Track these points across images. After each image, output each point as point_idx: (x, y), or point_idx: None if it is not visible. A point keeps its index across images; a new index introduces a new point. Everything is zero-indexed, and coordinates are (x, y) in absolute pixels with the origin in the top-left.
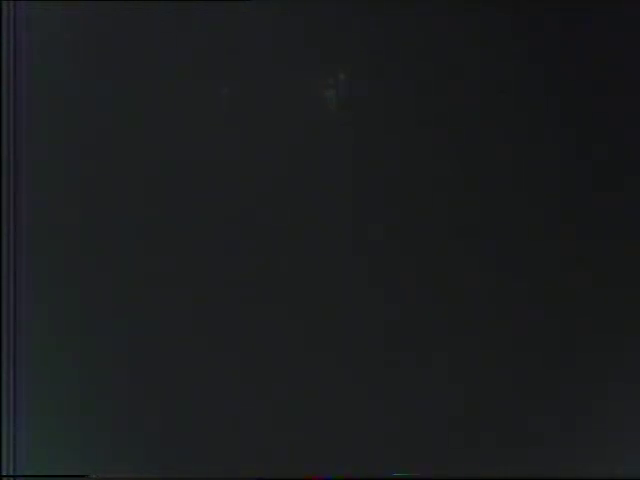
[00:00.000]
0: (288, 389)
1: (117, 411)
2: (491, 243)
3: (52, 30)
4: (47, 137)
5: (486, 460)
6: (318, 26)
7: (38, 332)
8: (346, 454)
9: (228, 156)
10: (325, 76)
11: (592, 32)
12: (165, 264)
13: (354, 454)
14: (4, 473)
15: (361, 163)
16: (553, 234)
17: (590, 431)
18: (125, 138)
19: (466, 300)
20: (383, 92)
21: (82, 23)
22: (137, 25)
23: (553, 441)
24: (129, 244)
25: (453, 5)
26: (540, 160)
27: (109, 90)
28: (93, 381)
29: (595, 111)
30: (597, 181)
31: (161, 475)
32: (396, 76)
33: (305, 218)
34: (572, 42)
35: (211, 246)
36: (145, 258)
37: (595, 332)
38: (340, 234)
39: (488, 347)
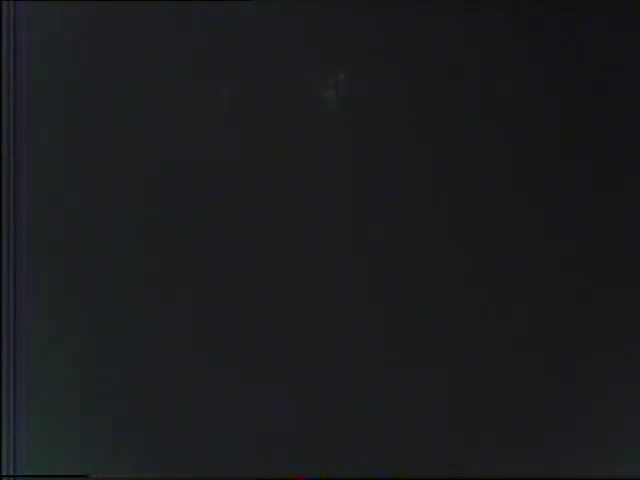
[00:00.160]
0: (288, 389)
1: (117, 411)
2: (491, 243)
3: (52, 30)
4: (47, 137)
5: (486, 460)
6: (318, 26)
7: (38, 332)
8: (346, 454)
9: (228, 156)
10: (325, 76)
11: (592, 32)
12: (165, 264)
13: (354, 454)
14: (4, 473)
15: (361, 163)
16: (553, 234)
17: (590, 431)
18: (125, 138)
19: (466, 300)
20: (383, 92)
21: (82, 23)
22: (137, 25)
23: (553, 441)
24: (129, 244)
25: (453, 5)
26: (540, 160)
27: (109, 90)
28: (93, 381)
29: (595, 111)
30: (597, 181)
31: (161, 475)
32: (396, 76)
33: (305, 218)
34: (572, 42)
35: (211, 246)
36: (145, 258)
37: (595, 332)
38: (340, 234)
39: (488, 347)
